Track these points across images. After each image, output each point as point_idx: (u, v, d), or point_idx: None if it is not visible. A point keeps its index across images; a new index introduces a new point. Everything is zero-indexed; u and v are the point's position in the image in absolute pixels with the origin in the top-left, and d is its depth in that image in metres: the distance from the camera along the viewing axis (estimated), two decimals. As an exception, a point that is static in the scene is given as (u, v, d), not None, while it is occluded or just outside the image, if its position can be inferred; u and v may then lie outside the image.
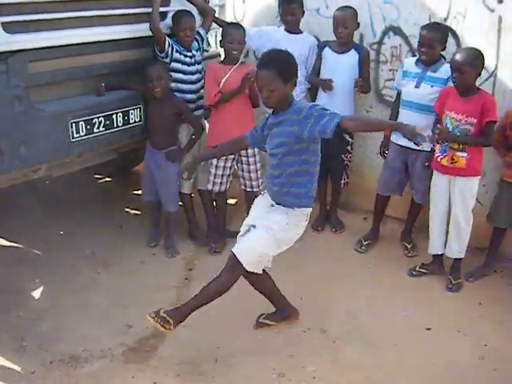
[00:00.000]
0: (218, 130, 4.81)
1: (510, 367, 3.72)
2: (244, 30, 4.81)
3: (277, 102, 3.46)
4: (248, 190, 5.08)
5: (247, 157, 4.93)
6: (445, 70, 4.47)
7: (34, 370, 3.60)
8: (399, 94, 4.83)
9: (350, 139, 5.29)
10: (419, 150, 4.51)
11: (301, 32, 5.23)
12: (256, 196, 4.69)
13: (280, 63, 3.42)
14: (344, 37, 4.97)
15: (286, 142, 3.47)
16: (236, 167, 5.03)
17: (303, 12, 5.17)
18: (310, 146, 3.47)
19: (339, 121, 3.27)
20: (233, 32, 4.75)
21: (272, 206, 3.68)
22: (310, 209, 3.68)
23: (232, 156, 4.90)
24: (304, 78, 5.20)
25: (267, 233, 3.58)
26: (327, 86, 5.03)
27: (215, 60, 5.13)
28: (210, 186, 5.00)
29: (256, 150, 4.86)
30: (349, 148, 5.32)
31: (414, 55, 4.88)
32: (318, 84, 5.19)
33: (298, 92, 5.17)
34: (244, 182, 5.07)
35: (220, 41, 4.86)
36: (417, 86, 4.60)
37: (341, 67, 5.04)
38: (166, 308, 3.62)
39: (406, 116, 4.64)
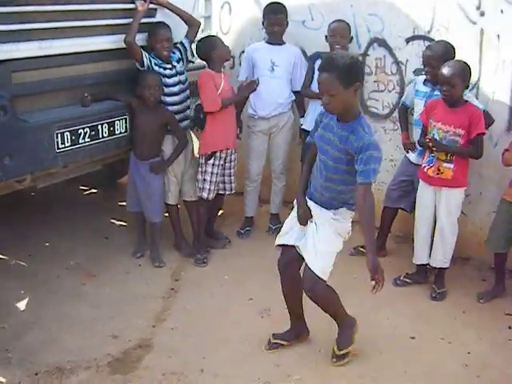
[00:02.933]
0: (215, 137, 4.88)
1: (492, 374, 3.75)
2: None
3: (338, 108, 3.28)
4: (227, 192, 5.21)
5: (231, 162, 5.10)
6: None
7: (19, 381, 3.57)
8: (405, 109, 4.93)
9: None
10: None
11: (284, 43, 5.25)
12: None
13: (341, 66, 3.17)
14: (342, 46, 4.97)
15: (338, 156, 3.38)
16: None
17: (287, 23, 5.19)
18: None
19: (363, 184, 3.26)
20: (222, 43, 4.91)
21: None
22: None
23: (222, 162, 4.98)
24: (291, 89, 5.27)
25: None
26: None
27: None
28: (205, 195, 5.00)
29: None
30: None
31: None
32: (315, 97, 5.03)
33: (285, 102, 5.23)
34: (224, 185, 5.16)
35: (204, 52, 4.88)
36: (425, 105, 4.56)
37: None
38: None
39: (419, 135, 4.62)
